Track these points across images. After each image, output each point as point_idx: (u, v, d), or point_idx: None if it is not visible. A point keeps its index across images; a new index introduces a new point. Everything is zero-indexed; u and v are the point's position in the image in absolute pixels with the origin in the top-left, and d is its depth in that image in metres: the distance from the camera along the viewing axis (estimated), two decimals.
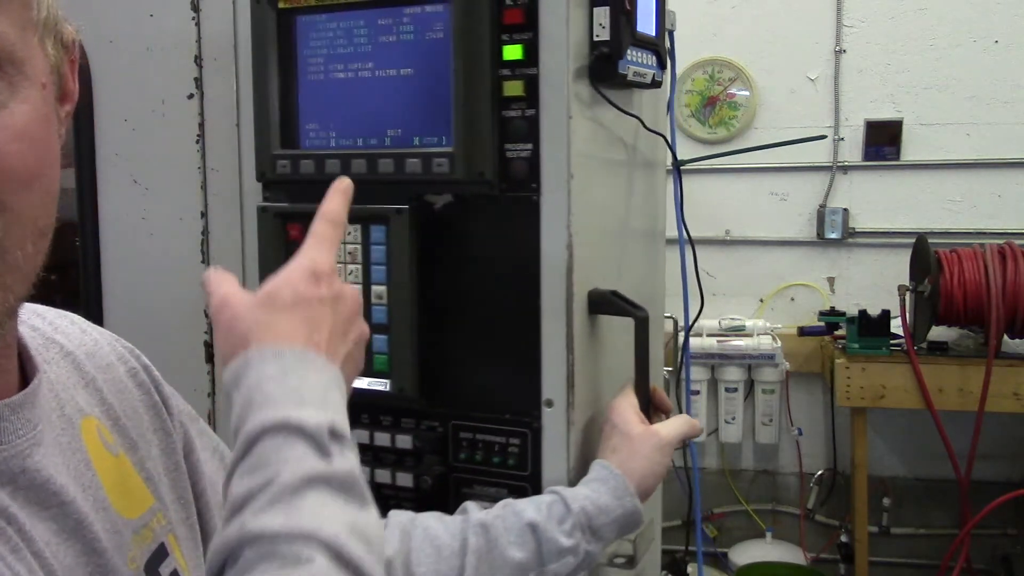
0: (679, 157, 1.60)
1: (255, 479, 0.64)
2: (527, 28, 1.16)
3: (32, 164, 0.60)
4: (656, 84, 1.34)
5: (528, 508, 1.09)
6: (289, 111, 1.30)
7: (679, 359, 3.15)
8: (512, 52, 1.17)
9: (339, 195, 0.83)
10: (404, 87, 1.23)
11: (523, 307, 1.20)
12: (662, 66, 1.35)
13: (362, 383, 1.27)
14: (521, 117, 1.18)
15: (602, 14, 1.19)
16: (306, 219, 1.29)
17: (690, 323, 1.43)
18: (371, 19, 1.24)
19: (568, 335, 1.19)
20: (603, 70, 1.20)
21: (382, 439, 1.30)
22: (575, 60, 1.17)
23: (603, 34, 1.19)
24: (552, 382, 1.19)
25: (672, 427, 1.21)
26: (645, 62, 1.29)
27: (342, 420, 0.70)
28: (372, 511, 0.68)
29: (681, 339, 3.17)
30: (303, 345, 0.72)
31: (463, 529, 1.08)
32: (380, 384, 1.27)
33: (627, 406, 1.21)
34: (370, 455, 1.30)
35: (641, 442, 1.17)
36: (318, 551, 0.60)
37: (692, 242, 1.57)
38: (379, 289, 1.27)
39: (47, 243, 0.64)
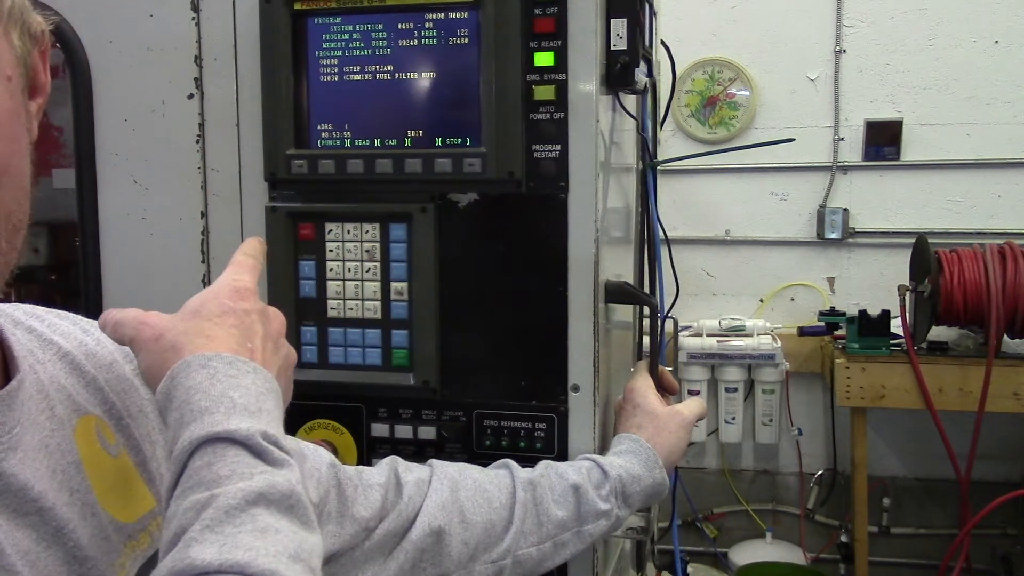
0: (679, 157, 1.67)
1: (189, 503, 0.61)
2: (557, 36, 1.24)
3: None
4: (647, 90, 1.44)
5: (570, 471, 1.17)
6: (300, 111, 1.32)
7: (675, 359, 3.15)
8: (544, 59, 1.25)
9: (255, 240, 0.84)
10: (426, 90, 1.29)
11: (550, 299, 1.28)
12: (651, 72, 1.47)
13: (383, 378, 1.34)
14: (549, 120, 1.26)
15: (620, 25, 1.28)
16: (318, 218, 1.35)
17: (665, 311, 1.51)
18: (391, 23, 1.28)
19: (595, 323, 1.28)
20: (622, 78, 1.28)
21: (403, 431, 1.35)
22: (600, 67, 1.26)
23: (620, 44, 1.27)
24: (579, 368, 1.28)
25: (693, 407, 1.33)
26: (644, 70, 1.39)
27: (277, 429, 0.66)
28: (314, 532, 0.64)
29: (681, 338, 3.18)
30: (234, 351, 0.69)
31: (511, 484, 1.13)
32: (402, 379, 1.33)
33: (647, 387, 1.33)
34: (388, 447, 1.34)
35: (667, 420, 1.28)
36: None
37: (668, 241, 1.63)
38: (399, 286, 1.33)
39: (21, 238, 0.62)
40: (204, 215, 1.43)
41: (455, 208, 1.30)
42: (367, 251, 1.33)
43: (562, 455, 1.29)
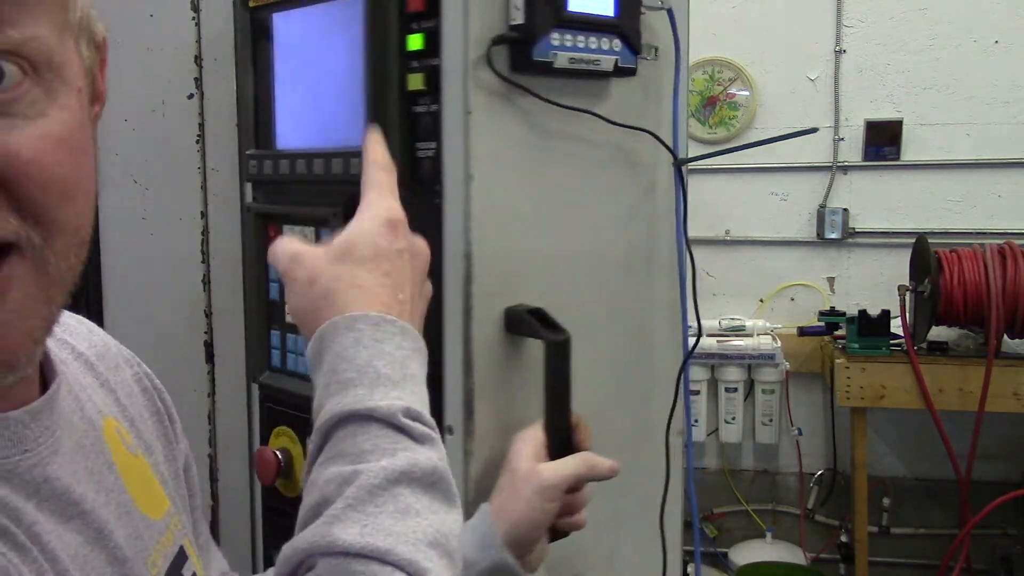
0: (700, 156, 1.44)
1: (332, 474, 0.62)
2: (431, 15, 1.05)
3: (72, 173, 0.57)
4: (625, 72, 1.17)
5: None
6: (264, 111, 1.28)
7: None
8: (415, 42, 1.07)
9: (379, 143, 0.80)
10: (341, 84, 1.15)
11: (430, 325, 1.14)
12: (634, 51, 1.17)
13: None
14: (427, 113, 1.07)
15: None
16: (280, 220, 1.26)
17: (689, 349, 1.33)
18: (323, 13, 1.18)
19: (466, 355, 1.05)
20: (517, 57, 1.05)
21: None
22: (477, 48, 1.03)
23: (518, 17, 1.04)
24: (453, 407, 1.07)
25: (560, 467, 1.01)
26: (590, 46, 1.11)
27: (420, 399, 0.68)
28: (454, 508, 0.65)
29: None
30: (384, 308, 0.70)
31: None
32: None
33: (526, 441, 1.05)
34: None
35: (523, 483, 1.01)
36: (394, 573, 0.58)
37: (692, 256, 1.38)
38: None
39: (86, 252, 0.62)
40: (204, 215, 1.43)
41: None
42: None
43: None
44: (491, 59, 1.03)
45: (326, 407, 0.66)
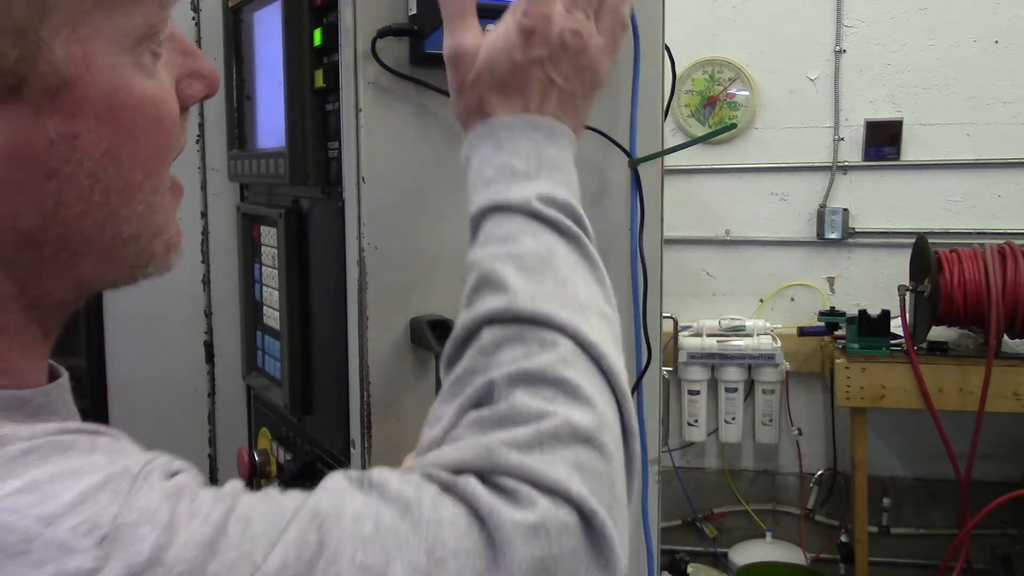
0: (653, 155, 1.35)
1: (489, 252, 0.66)
2: (332, 9, 1.01)
3: None
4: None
5: None
6: (247, 111, 1.28)
7: (676, 359, 3.15)
8: (317, 37, 1.05)
9: None
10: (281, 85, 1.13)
11: (338, 332, 1.04)
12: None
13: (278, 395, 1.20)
14: (335, 112, 1.04)
15: None
16: (259, 221, 1.26)
17: (641, 370, 1.15)
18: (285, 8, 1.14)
19: (362, 367, 1.01)
20: (413, 50, 0.99)
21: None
22: (365, 41, 0.98)
23: (413, 7, 0.98)
24: (355, 421, 1.03)
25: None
26: None
27: (556, 183, 0.69)
28: (596, 267, 0.68)
29: (681, 338, 3.18)
30: (523, 107, 0.72)
31: None
32: (278, 396, 1.23)
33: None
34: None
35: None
36: (561, 336, 0.60)
37: (644, 264, 1.16)
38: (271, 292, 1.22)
39: None
40: (204, 215, 1.43)
41: (300, 214, 1.15)
42: (272, 257, 1.22)
43: None
44: (376, 52, 0.97)
45: (473, 202, 0.70)
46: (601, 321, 0.64)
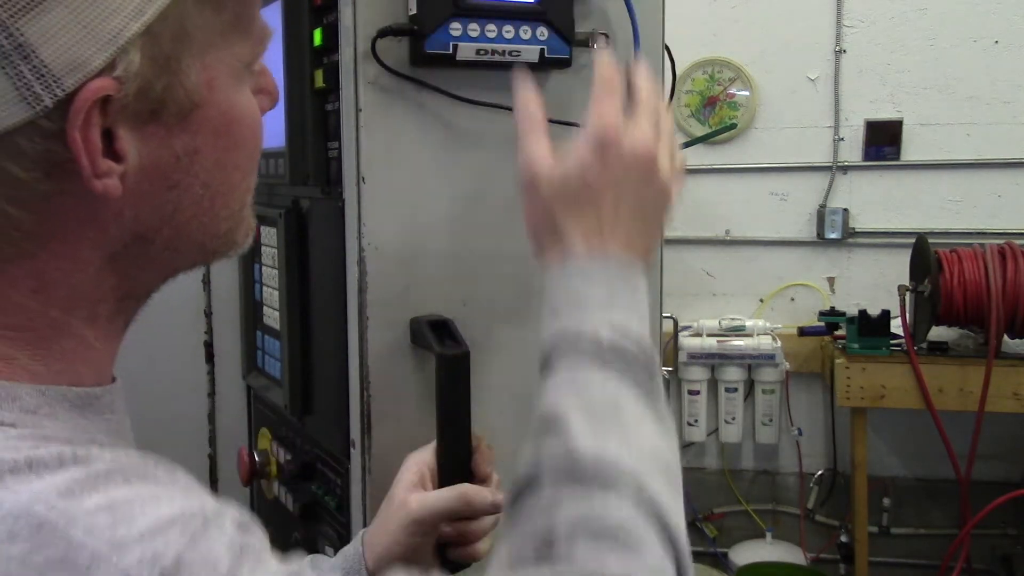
0: None
1: (559, 391, 0.66)
2: (332, 8, 1.01)
3: None
4: (557, 63, 1.05)
5: None
6: None
7: (676, 359, 3.15)
8: (317, 37, 1.05)
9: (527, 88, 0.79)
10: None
11: (338, 332, 1.04)
12: (566, 40, 1.05)
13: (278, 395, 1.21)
14: (335, 112, 1.04)
15: None
16: (260, 220, 1.24)
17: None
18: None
19: (362, 367, 1.00)
20: (414, 50, 0.98)
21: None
22: (365, 41, 0.97)
23: (414, 6, 0.98)
24: (355, 421, 1.03)
25: (431, 500, 0.92)
26: (504, 36, 1.01)
27: (617, 324, 0.69)
28: (666, 415, 0.68)
29: (681, 338, 3.18)
30: (583, 238, 0.72)
31: None
32: (277, 396, 1.22)
33: (411, 466, 0.96)
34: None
35: (393, 513, 0.93)
36: (624, 489, 0.60)
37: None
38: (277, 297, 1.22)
39: None
40: None
41: (300, 214, 1.14)
42: (272, 257, 1.22)
43: (346, 524, 1.08)
44: (376, 52, 0.97)
45: (543, 335, 0.70)
46: (662, 475, 0.64)
